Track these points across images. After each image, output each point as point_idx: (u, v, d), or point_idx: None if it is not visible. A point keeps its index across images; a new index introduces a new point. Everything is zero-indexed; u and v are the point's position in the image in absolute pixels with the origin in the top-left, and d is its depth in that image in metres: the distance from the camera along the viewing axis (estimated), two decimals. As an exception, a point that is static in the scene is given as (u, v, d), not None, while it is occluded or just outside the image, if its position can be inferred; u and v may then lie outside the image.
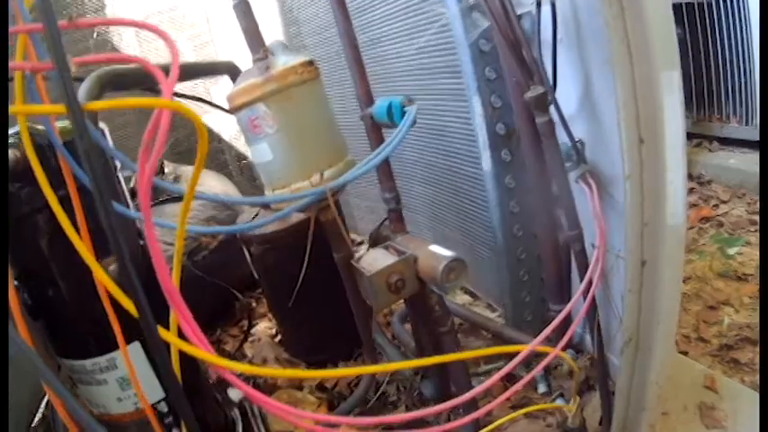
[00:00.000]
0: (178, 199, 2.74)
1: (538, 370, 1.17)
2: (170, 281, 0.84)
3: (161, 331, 0.86)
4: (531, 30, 1.34)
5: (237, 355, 2.58)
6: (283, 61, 1.28)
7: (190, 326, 0.88)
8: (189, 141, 3.90)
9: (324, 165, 1.33)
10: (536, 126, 1.31)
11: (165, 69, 0.73)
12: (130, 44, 3.73)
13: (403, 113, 1.33)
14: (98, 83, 1.22)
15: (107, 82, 1.24)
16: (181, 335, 0.87)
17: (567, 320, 1.25)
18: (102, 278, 0.81)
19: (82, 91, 1.19)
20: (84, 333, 1.16)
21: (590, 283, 1.25)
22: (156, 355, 0.86)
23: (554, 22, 1.25)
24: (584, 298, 1.30)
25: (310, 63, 1.31)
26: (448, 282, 1.32)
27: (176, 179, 2.93)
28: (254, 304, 2.97)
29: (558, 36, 1.27)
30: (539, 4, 1.29)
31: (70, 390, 1.15)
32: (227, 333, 2.83)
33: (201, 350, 0.87)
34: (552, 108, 1.28)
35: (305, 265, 1.76)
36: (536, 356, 1.31)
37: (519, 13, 1.38)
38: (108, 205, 0.73)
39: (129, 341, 1.05)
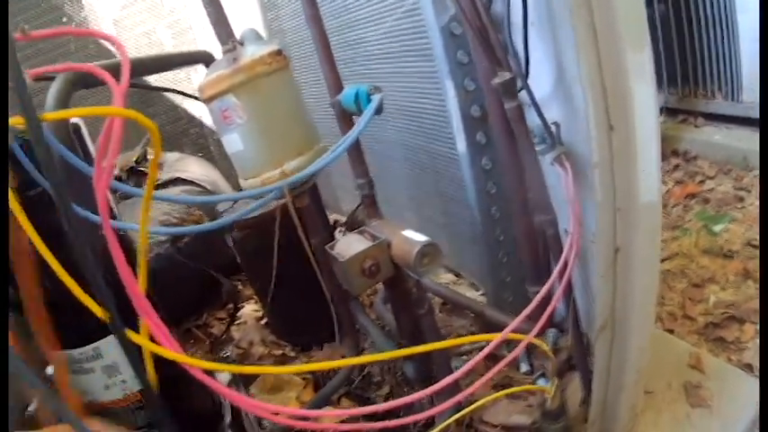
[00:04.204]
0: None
1: (517, 351, 1.17)
2: (136, 285, 0.85)
3: (131, 335, 0.87)
4: (503, 11, 1.32)
5: (225, 339, 2.60)
6: (251, 52, 1.28)
7: (157, 327, 0.89)
8: (172, 126, 3.90)
9: (293, 154, 1.33)
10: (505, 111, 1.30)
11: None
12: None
13: (369, 101, 1.32)
14: (67, 83, 1.23)
15: (77, 81, 1.24)
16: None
17: (548, 301, 1.24)
18: (71, 284, 0.82)
19: (52, 92, 1.20)
20: (68, 324, 1.19)
21: (565, 264, 1.25)
22: (128, 354, 0.87)
23: (524, 4, 1.23)
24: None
25: (279, 53, 1.30)
26: (422, 267, 1.33)
27: (159, 166, 2.94)
28: (240, 287, 2.99)
29: (530, 19, 1.25)
30: (509, -14, 1.26)
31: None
32: (213, 317, 2.85)
33: (169, 350, 0.88)
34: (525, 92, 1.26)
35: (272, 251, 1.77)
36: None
37: (490, -5, 1.35)
38: (69, 212, 0.74)
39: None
